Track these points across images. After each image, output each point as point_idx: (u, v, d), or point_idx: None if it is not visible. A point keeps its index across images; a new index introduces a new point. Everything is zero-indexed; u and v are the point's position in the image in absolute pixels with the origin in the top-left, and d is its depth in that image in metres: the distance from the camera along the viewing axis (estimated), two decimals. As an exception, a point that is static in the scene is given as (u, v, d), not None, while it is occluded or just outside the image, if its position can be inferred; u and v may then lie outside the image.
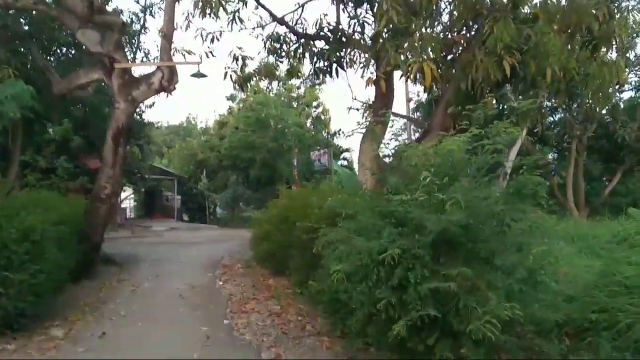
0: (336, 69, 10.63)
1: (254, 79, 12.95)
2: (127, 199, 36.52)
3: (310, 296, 7.73)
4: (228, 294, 9.05)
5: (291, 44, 12.37)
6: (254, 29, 12.82)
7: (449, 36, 9.80)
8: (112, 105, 11.53)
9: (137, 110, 22.47)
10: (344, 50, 10.36)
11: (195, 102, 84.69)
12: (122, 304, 8.20)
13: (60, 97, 12.71)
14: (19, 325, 6.55)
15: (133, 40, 15.53)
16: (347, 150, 35.98)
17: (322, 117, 36.20)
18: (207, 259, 14.22)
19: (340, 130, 25.06)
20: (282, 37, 12.34)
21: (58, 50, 15.10)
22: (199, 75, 11.09)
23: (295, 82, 37.74)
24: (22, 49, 12.09)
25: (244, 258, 14.03)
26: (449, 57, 9.62)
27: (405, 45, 8.20)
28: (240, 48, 12.72)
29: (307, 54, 12.09)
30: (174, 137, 49.78)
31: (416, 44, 7.81)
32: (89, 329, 6.80)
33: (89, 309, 7.96)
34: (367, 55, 9.18)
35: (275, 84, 37.77)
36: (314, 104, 37.15)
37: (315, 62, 11.17)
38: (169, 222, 31.38)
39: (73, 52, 16.20)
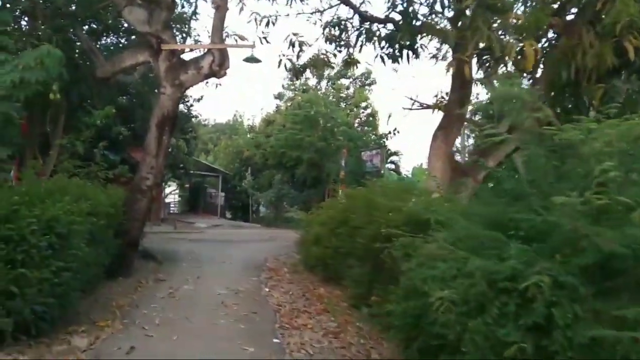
0: (407, 55, 9.43)
1: (311, 68, 11.85)
2: (172, 193, 36.24)
3: (373, 314, 6.58)
4: (276, 304, 7.95)
5: (352, 29, 11.23)
6: (312, 13, 11.78)
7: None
8: (158, 91, 10.67)
9: (186, 102, 21.87)
10: (417, 33, 9.11)
11: (243, 100, 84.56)
12: (158, 309, 7.21)
13: (104, 82, 11.95)
14: (38, 330, 5.62)
15: (184, 26, 14.75)
16: (395, 153, 34.58)
17: (372, 119, 34.93)
18: (250, 260, 13.27)
19: (395, 129, 23.71)
20: (342, 23, 11.20)
21: (104, 34, 14.40)
22: (252, 59, 10.09)
23: (344, 81, 37.04)
24: (66, 28, 11.36)
25: (290, 261, 13.01)
26: (542, 43, 8.25)
27: (496, 24, 6.91)
28: (295, 34, 11.69)
29: (370, 40, 10.92)
30: (220, 135, 49.43)
31: (512, 21, 6.50)
32: (116, 340, 5.80)
33: (120, 313, 7.01)
34: (448, 36, 7.88)
35: (324, 83, 37.03)
36: (363, 104, 35.96)
37: (383, 47, 9.97)
38: (212, 218, 30.81)
39: (120, 37, 15.57)
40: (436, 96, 9.60)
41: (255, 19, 11.64)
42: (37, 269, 5.38)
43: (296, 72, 11.70)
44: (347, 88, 37.22)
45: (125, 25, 14.97)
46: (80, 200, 7.01)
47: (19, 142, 8.50)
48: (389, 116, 14.74)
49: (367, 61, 10.47)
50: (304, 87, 35.93)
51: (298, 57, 11.43)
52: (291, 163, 26.97)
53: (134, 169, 11.59)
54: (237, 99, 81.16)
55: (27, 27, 11.48)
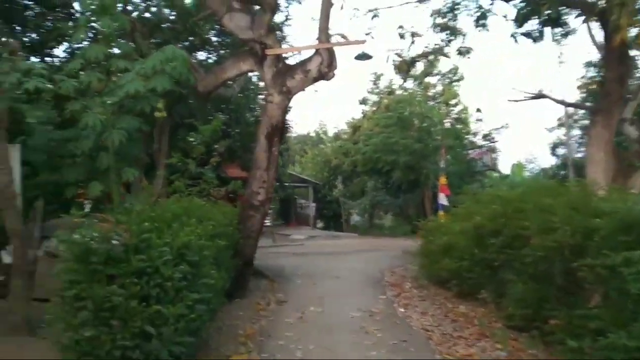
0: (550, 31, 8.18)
1: (422, 60, 10.83)
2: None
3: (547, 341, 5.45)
4: (421, 328, 6.95)
5: (467, 13, 10.08)
6: (419, 1, 10.75)
7: None
8: (263, 100, 10.07)
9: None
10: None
11: (322, 110, 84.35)
12: (294, 339, 6.42)
13: (205, 97, 11.50)
14: (173, 373, 4.96)
15: (277, 32, 14.21)
16: (493, 150, 32.58)
17: (463, 116, 33.13)
18: (364, 273, 12.39)
19: (506, 124, 21.97)
20: (456, 6, 10.09)
21: (200, 49, 14.13)
22: (363, 57, 9.23)
23: (431, 79, 35.49)
24: (165, 44, 11.09)
25: (408, 274, 11.99)
26: None
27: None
28: (401, 27, 10.71)
29: (483, 26, 9.75)
30: (303, 145, 49.37)
31: None
32: (261, 380, 5.07)
33: (252, 344, 6.31)
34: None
35: (409, 83, 35.64)
36: (453, 101, 34.24)
37: (521, 24, 8.74)
38: (305, 229, 30.33)
39: (210, 51, 15.33)
40: (582, 77, 8.23)
41: (356, 15, 10.83)
42: (172, 305, 4.73)
43: (407, 67, 10.70)
44: (434, 86, 35.63)
45: (217, 39, 14.76)
46: (204, 222, 6.41)
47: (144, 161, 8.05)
48: (514, 101, 13.29)
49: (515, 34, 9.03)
50: (389, 90, 34.86)
51: (409, 49, 10.46)
52: (387, 168, 25.93)
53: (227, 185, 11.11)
54: (316, 110, 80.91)
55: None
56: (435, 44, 10.75)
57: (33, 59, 11.04)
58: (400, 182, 26.41)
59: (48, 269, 8.27)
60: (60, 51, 12.52)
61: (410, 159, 24.88)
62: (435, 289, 9.85)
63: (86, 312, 4.42)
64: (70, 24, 10.29)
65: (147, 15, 11.00)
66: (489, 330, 6.67)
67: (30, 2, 11.36)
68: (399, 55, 10.70)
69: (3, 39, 7.26)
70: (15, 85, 4.93)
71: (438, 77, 35.38)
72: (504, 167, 32.94)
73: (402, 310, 8.14)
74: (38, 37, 11.52)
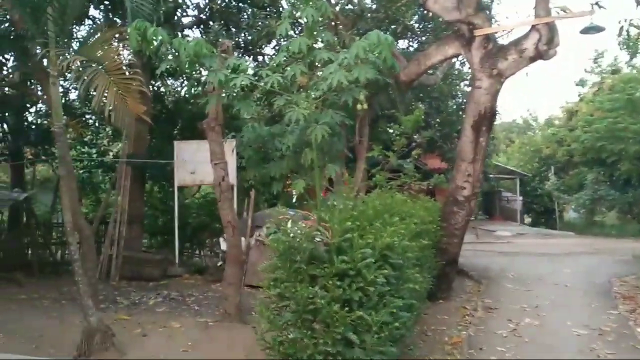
0: None
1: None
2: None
3: None
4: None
5: None
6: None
7: None
8: (471, 86, 9.28)
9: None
10: None
11: (531, 94, 78.02)
12: (507, 356, 5.68)
13: (407, 86, 11.06)
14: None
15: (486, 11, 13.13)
16: None
17: None
18: (587, 281, 10.82)
19: None
20: None
21: (402, 36, 13.74)
22: (593, 29, 7.89)
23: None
24: (365, 32, 10.95)
25: (642, 283, 10.15)
26: None
27: None
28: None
29: None
30: (508, 134, 46.24)
31: None
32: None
33: (459, 355, 5.73)
34: None
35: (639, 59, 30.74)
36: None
37: None
38: (511, 225, 28.23)
39: (412, 39, 14.86)
40: None
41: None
42: (375, 311, 4.37)
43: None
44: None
45: (419, 25, 14.24)
46: (406, 219, 5.97)
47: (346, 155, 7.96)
48: None
49: None
50: (614, 68, 30.57)
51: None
52: (612, 158, 22.75)
53: (426, 177, 10.55)
54: (524, 94, 74.98)
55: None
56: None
57: (247, 57, 11.86)
58: (629, 174, 22.98)
59: (259, 257, 8.73)
60: (270, 49, 13.28)
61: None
62: (684, 306, 8.11)
63: (289, 313, 4.30)
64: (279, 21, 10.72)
65: (349, 7, 10.94)
66: None
67: (243, 5, 12.20)
68: (634, 25, 8.95)
69: (219, 40, 7.70)
70: (223, 83, 5.05)
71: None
72: None
73: (640, 330, 6.77)
74: (250, 37, 12.30)
